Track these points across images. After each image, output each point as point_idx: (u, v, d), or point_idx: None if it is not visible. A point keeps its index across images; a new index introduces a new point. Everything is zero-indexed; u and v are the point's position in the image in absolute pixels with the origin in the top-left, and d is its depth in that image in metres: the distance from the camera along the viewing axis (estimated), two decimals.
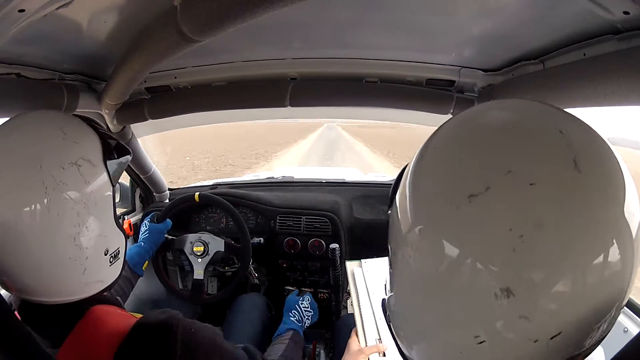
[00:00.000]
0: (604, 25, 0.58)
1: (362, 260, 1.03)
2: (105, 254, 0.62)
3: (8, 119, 0.59)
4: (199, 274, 1.34)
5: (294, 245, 1.50)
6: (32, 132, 0.57)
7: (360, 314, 0.91)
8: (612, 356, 0.34)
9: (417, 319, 0.40)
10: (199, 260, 1.35)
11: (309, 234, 1.49)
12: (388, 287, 0.47)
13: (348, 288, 1.60)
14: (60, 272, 0.57)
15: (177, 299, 1.39)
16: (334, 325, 1.30)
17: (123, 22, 0.72)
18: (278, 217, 1.52)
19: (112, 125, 1.23)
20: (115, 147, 0.65)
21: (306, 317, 1.14)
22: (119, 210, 1.57)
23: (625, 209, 0.32)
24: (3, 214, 0.52)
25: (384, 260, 0.94)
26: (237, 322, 1.26)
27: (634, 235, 0.32)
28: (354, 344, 0.86)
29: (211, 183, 1.87)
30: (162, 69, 1.05)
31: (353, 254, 1.50)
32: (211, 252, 1.35)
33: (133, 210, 1.64)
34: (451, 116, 1.05)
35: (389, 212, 0.43)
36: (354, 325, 0.91)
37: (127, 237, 0.70)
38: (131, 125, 1.33)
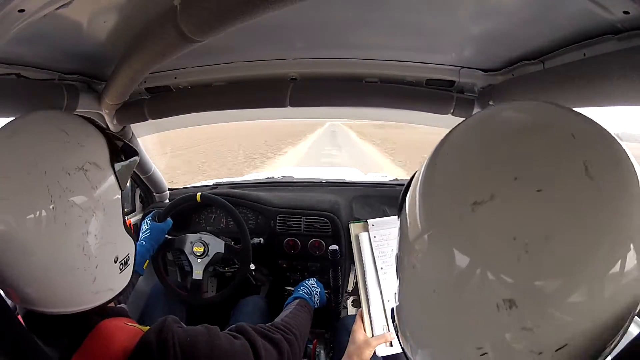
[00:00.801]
0: (604, 25, 0.58)
1: (369, 221, 0.86)
2: (115, 262, 0.60)
3: (9, 120, 0.58)
4: (197, 274, 1.34)
5: (294, 245, 1.50)
6: (33, 136, 0.54)
7: (367, 296, 0.82)
8: (612, 356, 0.34)
9: (420, 325, 0.40)
10: (199, 260, 1.35)
11: (309, 234, 1.49)
12: (396, 296, 0.46)
13: (348, 288, 1.60)
14: (69, 282, 0.55)
15: (176, 298, 1.38)
16: (334, 326, 1.30)
17: (123, 22, 0.71)
18: (278, 217, 1.52)
19: (112, 126, 1.23)
20: (122, 148, 0.62)
21: (314, 292, 1.18)
22: None
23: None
24: (6, 223, 0.49)
25: (396, 219, 0.87)
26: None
27: None
28: (359, 333, 0.81)
29: (211, 183, 1.87)
30: (162, 69, 1.05)
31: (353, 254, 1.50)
32: (211, 253, 1.35)
33: (133, 210, 1.64)
34: (451, 116, 1.06)
35: (399, 218, 0.43)
36: (350, 323, 0.87)
37: (136, 243, 0.67)
38: (131, 125, 1.33)
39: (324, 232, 1.48)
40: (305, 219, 1.50)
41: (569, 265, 0.29)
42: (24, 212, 0.50)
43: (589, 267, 0.29)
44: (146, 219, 1.30)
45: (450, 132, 0.40)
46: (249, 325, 0.77)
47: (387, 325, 0.81)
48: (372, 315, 0.82)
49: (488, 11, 0.69)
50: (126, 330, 0.62)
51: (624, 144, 0.33)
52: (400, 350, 0.81)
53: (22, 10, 0.53)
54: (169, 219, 1.33)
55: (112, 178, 0.58)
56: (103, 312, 0.61)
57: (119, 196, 0.60)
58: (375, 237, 0.85)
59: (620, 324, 0.31)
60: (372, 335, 0.81)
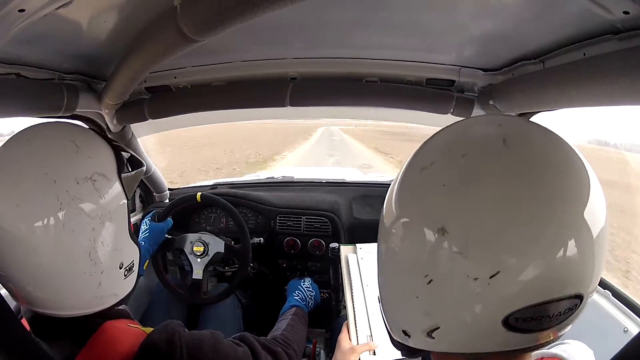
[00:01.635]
0: (604, 25, 0.58)
1: (357, 245, 0.97)
2: (120, 268, 0.62)
3: (8, 120, 0.59)
4: (197, 273, 1.34)
5: (294, 245, 1.50)
6: (45, 146, 0.56)
7: (353, 308, 0.89)
8: (612, 356, 0.34)
9: (386, 282, 0.46)
10: (199, 260, 1.35)
11: (309, 234, 1.49)
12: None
13: None
14: (74, 286, 0.56)
15: (177, 299, 1.39)
16: (334, 325, 1.30)
17: (123, 22, 0.71)
18: (278, 217, 1.52)
19: (112, 125, 1.23)
20: (129, 160, 0.65)
21: (309, 296, 1.18)
22: None
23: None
24: (16, 227, 0.51)
25: None
26: (213, 326, 1.28)
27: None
28: (344, 341, 0.86)
29: (211, 183, 1.88)
30: (162, 68, 1.05)
31: None
32: (211, 253, 1.35)
33: (133, 210, 1.64)
34: (451, 116, 1.06)
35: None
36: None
37: (140, 249, 0.69)
38: (131, 125, 1.33)
39: (324, 232, 1.48)
40: (305, 218, 1.50)
41: (481, 206, 0.36)
42: (33, 218, 0.51)
43: (500, 211, 0.36)
44: (145, 219, 1.30)
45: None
46: (252, 335, 0.79)
47: (371, 335, 0.87)
48: (357, 325, 0.88)
49: (488, 11, 0.69)
50: (129, 332, 0.63)
51: (597, 148, 0.37)
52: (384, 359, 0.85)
53: (22, 10, 0.53)
54: (169, 219, 1.33)
55: (119, 188, 0.60)
56: (105, 314, 0.62)
57: (126, 205, 0.62)
58: (362, 258, 0.96)
59: (553, 281, 0.35)
60: (357, 344, 0.86)
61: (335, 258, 1.26)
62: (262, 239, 1.48)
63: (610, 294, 0.93)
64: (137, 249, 0.67)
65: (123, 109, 1.14)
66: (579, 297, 0.36)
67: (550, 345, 0.42)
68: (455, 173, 0.38)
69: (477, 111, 1.05)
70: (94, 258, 0.56)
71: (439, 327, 0.39)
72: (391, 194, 0.45)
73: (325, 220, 1.48)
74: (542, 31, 0.71)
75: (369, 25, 0.80)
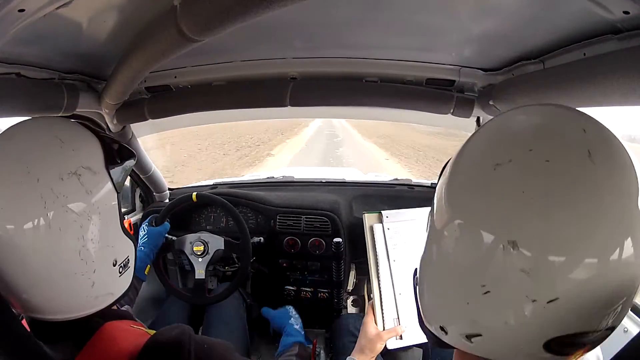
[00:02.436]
0: (604, 25, 0.58)
1: (383, 213, 0.87)
2: (114, 265, 0.60)
3: (9, 120, 0.57)
4: (200, 273, 1.34)
5: (294, 244, 1.50)
6: (27, 143, 0.53)
7: (379, 287, 0.82)
8: (612, 356, 0.35)
9: (435, 280, 0.44)
10: (200, 259, 1.35)
11: (309, 233, 1.49)
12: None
13: (348, 288, 1.60)
14: (67, 288, 0.54)
15: (178, 300, 1.39)
16: (334, 325, 1.30)
17: (123, 22, 0.71)
18: (278, 217, 1.52)
19: (112, 125, 1.23)
20: (118, 151, 0.62)
21: (300, 322, 1.12)
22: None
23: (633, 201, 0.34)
24: (2, 230, 0.49)
25: (410, 213, 0.90)
26: (218, 324, 1.28)
27: None
28: (370, 326, 0.80)
29: (211, 183, 1.88)
30: (162, 68, 1.05)
31: (353, 253, 1.50)
32: (211, 251, 1.35)
33: (133, 210, 1.64)
34: (451, 116, 1.06)
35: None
36: (349, 323, 0.86)
37: (135, 243, 0.67)
38: (131, 125, 1.33)
39: (324, 231, 1.48)
40: (306, 218, 1.50)
41: (565, 223, 0.33)
42: (18, 220, 0.49)
43: (584, 234, 0.33)
44: (143, 225, 1.30)
45: (470, 137, 0.44)
46: None
47: (398, 318, 0.81)
48: (383, 307, 0.81)
49: (488, 11, 0.69)
50: (131, 332, 0.62)
51: (627, 144, 0.37)
52: (410, 344, 0.82)
53: (22, 10, 0.53)
54: (166, 223, 1.33)
55: (108, 181, 0.58)
56: (106, 314, 0.61)
57: (116, 199, 0.60)
58: (389, 229, 0.86)
59: (612, 297, 0.34)
60: (384, 328, 0.81)
61: (338, 253, 1.26)
62: (262, 238, 1.48)
63: None
64: (132, 243, 0.65)
65: (123, 108, 1.14)
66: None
67: None
68: (539, 181, 0.34)
69: (477, 111, 1.05)
70: (84, 257, 0.54)
71: (480, 335, 0.38)
72: (449, 186, 0.41)
73: (325, 220, 1.48)
74: (542, 31, 0.71)
75: (369, 25, 0.80)
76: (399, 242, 0.86)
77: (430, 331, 0.45)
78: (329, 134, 16.13)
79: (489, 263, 0.36)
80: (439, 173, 0.46)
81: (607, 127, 0.38)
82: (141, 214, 1.64)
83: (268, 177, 1.94)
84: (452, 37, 0.85)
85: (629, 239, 0.33)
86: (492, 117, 0.96)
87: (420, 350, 1.02)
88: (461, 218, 0.38)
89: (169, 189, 1.74)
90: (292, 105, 1.07)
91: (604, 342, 0.37)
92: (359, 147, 13.16)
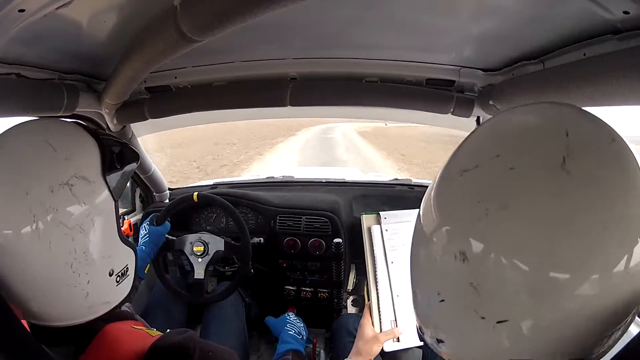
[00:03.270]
0: (604, 25, 0.58)
1: (381, 214, 0.87)
2: (111, 275, 0.58)
3: (9, 120, 0.57)
4: (199, 273, 1.35)
5: (294, 245, 1.50)
6: (17, 153, 0.51)
7: (377, 289, 0.81)
8: (612, 356, 0.34)
9: (411, 279, 0.44)
10: (199, 260, 1.35)
11: (309, 233, 1.49)
12: None
13: (348, 288, 1.60)
14: (59, 298, 0.53)
15: (178, 299, 1.39)
16: (334, 325, 1.30)
17: (123, 22, 0.71)
18: (278, 217, 1.52)
19: (112, 125, 1.23)
20: (119, 154, 0.59)
21: (301, 327, 1.10)
22: (119, 210, 1.57)
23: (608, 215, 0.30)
24: None
25: (408, 213, 0.89)
26: (216, 323, 1.28)
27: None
28: (367, 327, 0.80)
29: (211, 183, 1.88)
30: (162, 68, 1.05)
31: (353, 253, 1.50)
32: (211, 252, 1.36)
33: (133, 210, 1.64)
34: (451, 116, 1.06)
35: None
36: (349, 323, 0.86)
37: (136, 251, 0.65)
38: (131, 124, 1.33)
39: (324, 231, 1.48)
40: (305, 218, 1.50)
41: (519, 239, 0.31)
42: (8, 233, 0.48)
43: (535, 248, 0.30)
44: (144, 224, 1.31)
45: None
46: None
47: (395, 320, 0.81)
48: (381, 309, 0.81)
49: (488, 11, 0.69)
50: (133, 333, 0.61)
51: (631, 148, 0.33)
52: (407, 346, 0.82)
53: (22, 10, 0.53)
54: (167, 222, 1.33)
55: (104, 190, 0.55)
56: (107, 316, 0.60)
57: (113, 207, 0.57)
58: (387, 230, 0.85)
59: (575, 316, 0.31)
60: (381, 330, 0.80)
61: (338, 254, 1.25)
62: (262, 238, 1.48)
63: None
64: (132, 251, 0.63)
65: (123, 108, 1.14)
66: None
67: None
68: (497, 190, 0.33)
69: (477, 111, 1.05)
70: (76, 269, 0.52)
71: (443, 342, 0.39)
72: (429, 190, 0.41)
73: (325, 220, 1.48)
74: (542, 31, 0.71)
75: (368, 25, 0.80)
76: (397, 244, 0.85)
77: (429, 342, 0.45)
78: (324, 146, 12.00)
79: (443, 272, 0.35)
80: None
81: (606, 128, 0.34)
82: (141, 214, 1.64)
83: (268, 177, 1.94)
84: (452, 38, 0.85)
85: (595, 259, 0.30)
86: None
87: (420, 351, 1.02)
88: (424, 223, 0.38)
89: (169, 189, 1.74)
90: (292, 105, 1.07)
91: None
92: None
